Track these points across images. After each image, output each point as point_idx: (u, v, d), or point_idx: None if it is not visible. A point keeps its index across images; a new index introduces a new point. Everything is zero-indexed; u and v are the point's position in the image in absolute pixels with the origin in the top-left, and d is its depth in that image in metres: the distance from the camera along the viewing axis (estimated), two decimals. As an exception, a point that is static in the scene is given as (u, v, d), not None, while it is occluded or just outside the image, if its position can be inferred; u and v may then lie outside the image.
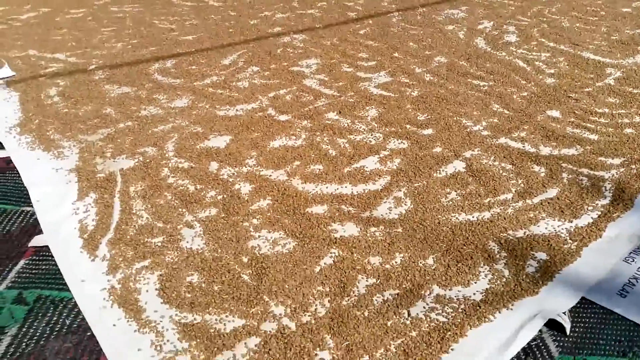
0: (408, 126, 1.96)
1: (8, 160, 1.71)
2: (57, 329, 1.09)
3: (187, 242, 1.34)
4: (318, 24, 2.93)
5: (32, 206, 1.48)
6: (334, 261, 1.27)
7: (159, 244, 1.32)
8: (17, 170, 1.65)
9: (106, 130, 1.89)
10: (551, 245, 1.33)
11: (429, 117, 2.03)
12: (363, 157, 1.76)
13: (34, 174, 1.62)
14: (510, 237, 1.36)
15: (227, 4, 3.21)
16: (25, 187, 1.57)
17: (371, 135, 1.90)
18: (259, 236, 1.36)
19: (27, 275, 1.25)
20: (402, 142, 1.86)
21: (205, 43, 2.68)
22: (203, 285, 1.20)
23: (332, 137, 1.89)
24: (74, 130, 1.87)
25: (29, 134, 1.86)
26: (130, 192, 1.54)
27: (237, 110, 2.09)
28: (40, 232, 1.37)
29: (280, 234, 1.36)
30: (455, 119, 2.03)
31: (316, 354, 1.03)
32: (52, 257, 1.30)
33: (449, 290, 1.19)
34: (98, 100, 2.10)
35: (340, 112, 2.06)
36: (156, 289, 1.19)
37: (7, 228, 1.40)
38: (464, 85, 2.29)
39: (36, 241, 1.34)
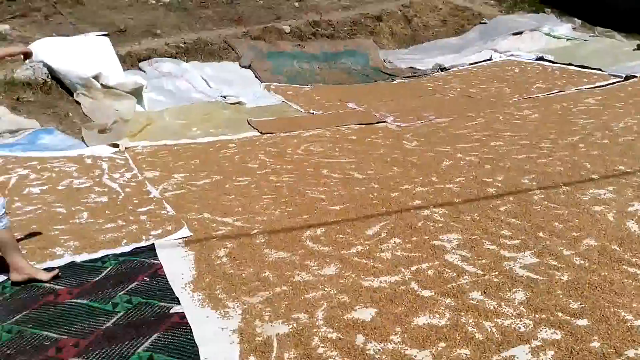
0: (560, 314, 1.89)
1: (182, 316, 1.94)
2: None
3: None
4: (457, 198, 3.06)
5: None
6: None
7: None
8: (189, 326, 1.87)
9: (265, 293, 2.08)
10: None
11: (583, 305, 1.94)
12: (512, 346, 1.71)
13: (203, 332, 1.82)
14: None
15: (370, 176, 3.52)
16: (196, 343, 1.75)
17: (520, 321, 1.86)
18: None
19: None
20: (554, 332, 1.78)
21: (350, 213, 2.92)
22: None
23: (478, 319, 1.88)
24: (238, 292, 2.10)
25: (201, 292, 2.12)
26: (284, 358, 1.65)
27: (381, 281, 2.19)
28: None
29: None
30: (612, 310, 1.91)
31: None
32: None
33: None
34: (259, 263, 2.36)
35: (485, 292, 2.06)
36: None
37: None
38: (619, 272, 2.19)
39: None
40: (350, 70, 7.66)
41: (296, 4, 8.80)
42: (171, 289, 2.15)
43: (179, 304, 2.03)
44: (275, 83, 6.83)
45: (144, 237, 2.68)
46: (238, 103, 5.92)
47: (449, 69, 7.27)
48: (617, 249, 2.38)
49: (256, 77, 6.95)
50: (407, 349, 1.70)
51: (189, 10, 8.18)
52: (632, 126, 4.31)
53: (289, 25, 8.09)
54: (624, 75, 6.14)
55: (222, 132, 4.92)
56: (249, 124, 5.16)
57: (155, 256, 2.46)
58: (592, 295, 2.01)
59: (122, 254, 2.51)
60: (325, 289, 2.13)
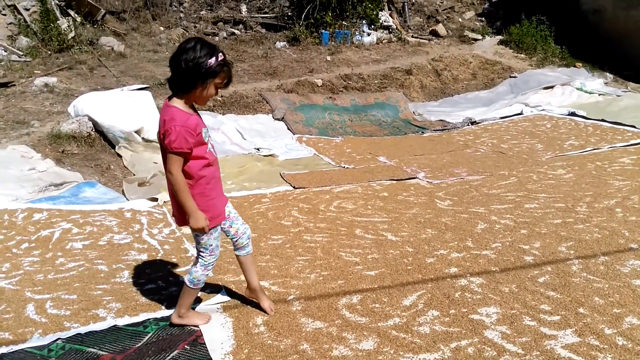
0: (606, 404, 1.84)
1: (223, 390, 1.96)
2: None
3: None
4: (494, 266, 3.04)
5: None
6: None
7: None
8: (230, 403, 1.89)
9: (303, 368, 2.09)
10: None
11: (630, 394, 1.89)
12: None
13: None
14: None
15: (404, 239, 3.53)
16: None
17: (565, 410, 1.82)
18: None
19: None
20: None
21: (386, 280, 2.93)
22: None
23: (521, 406, 1.84)
24: (277, 366, 2.11)
25: (240, 364, 2.14)
26: None
27: (420, 359, 2.17)
28: None
29: None
30: (662, 400, 1.86)
31: None
32: None
33: None
34: (296, 333, 2.37)
35: (527, 375, 2.03)
36: None
37: None
38: (667, 356, 2.13)
39: None
40: (380, 122, 7.79)
41: (328, 58, 9.07)
42: (212, 359, 2.18)
43: (221, 376, 2.06)
44: (307, 135, 6.99)
45: (183, 300, 2.73)
46: (271, 155, 6.05)
47: (479, 123, 7.32)
48: (663, 329, 2.32)
49: (288, 129, 7.13)
50: None
51: (225, 63, 8.52)
52: (671, 189, 4.24)
53: (321, 79, 8.32)
54: (659, 133, 6.08)
55: (257, 185, 5.02)
56: (282, 177, 5.26)
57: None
58: (639, 383, 1.96)
59: (162, 318, 2.56)
60: (364, 365, 2.13)
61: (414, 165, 5.50)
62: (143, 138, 5.51)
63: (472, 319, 2.47)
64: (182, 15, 10.55)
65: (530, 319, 2.45)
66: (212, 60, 2.07)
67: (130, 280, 3.03)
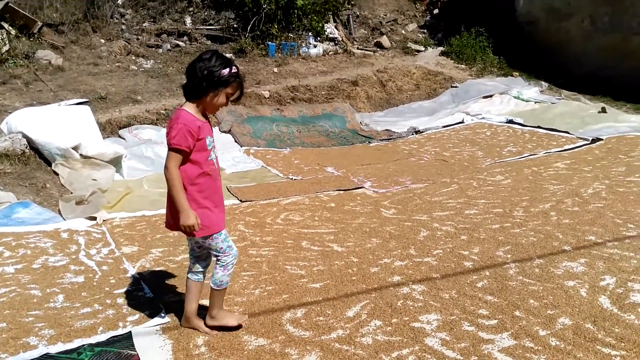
0: (539, 404, 1.90)
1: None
2: None
3: None
4: (435, 273, 3.10)
5: None
6: None
7: None
8: None
9: (244, 388, 2.05)
10: None
11: (561, 393, 1.96)
12: None
13: None
14: None
15: (349, 249, 3.55)
16: None
17: (500, 413, 1.86)
18: None
19: None
20: None
21: (330, 291, 2.93)
22: None
23: (459, 412, 1.87)
24: (216, 387, 2.06)
25: (179, 387, 2.08)
26: None
27: (362, 370, 2.18)
28: None
29: None
30: (590, 397, 1.94)
31: None
32: None
33: None
34: (238, 352, 2.33)
35: (465, 381, 2.06)
36: None
37: None
38: (594, 353, 2.23)
39: None
40: (328, 133, 7.85)
41: (275, 70, 9.08)
42: (148, 384, 2.10)
43: (156, 402, 1.99)
44: (255, 147, 6.95)
45: (120, 323, 2.63)
46: (217, 169, 5.96)
47: (423, 132, 7.50)
48: (591, 327, 2.43)
49: (236, 141, 7.06)
50: None
51: (169, 76, 8.36)
52: (600, 192, 4.47)
53: (269, 91, 8.31)
54: (590, 139, 6.42)
55: (202, 200, 4.93)
56: (228, 191, 5.19)
57: (132, 346, 2.42)
58: (569, 381, 2.03)
59: (98, 344, 2.45)
60: (306, 380, 2.11)
61: (360, 175, 5.56)
62: (81, 154, 5.31)
63: (414, 327, 2.51)
64: (123, 27, 10.29)
65: (469, 324, 2.51)
66: (226, 71, 2.22)
67: (65, 304, 2.89)
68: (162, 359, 2.31)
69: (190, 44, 9.91)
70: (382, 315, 2.64)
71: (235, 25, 10.45)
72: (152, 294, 2.97)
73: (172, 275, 3.25)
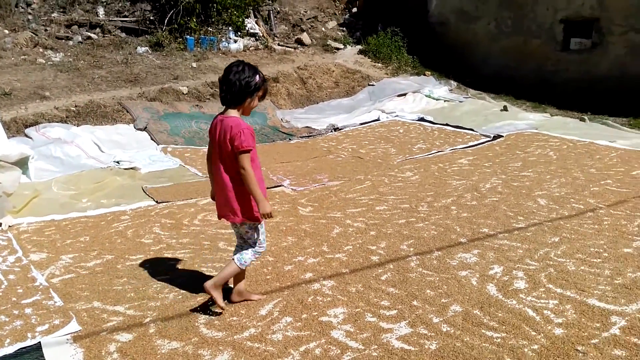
0: (427, 385, 2.13)
1: None
2: None
3: None
4: (345, 268, 3.30)
5: None
6: None
7: None
8: None
9: (156, 391, 2.12)
10: None
11: (446, 374, 2.20)
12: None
13: None
14: None
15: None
16: None
17: (393, 396, 2.07)
18: None
19: None
20: (421, 404, 2.01)
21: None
22: None
23: (357, 398, 2.06)
24: (128, 392, 2.11)
25: (89, 395, 2.11)
26: None
27: (271, 366, 2.31)
28: None
29: None
30: (471, 376, 2.19)
31: None
32: None
33: None
34: (150, 357, 2.39)
35: (364, 369, 2.26)
36: None
37: None
38: (478, 336, 2.50)
39: None
40: (248, 130, 7.88)
41: (194, 65, 8.96)
42: (57, 395, 2.11)
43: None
44: (173, 145, 6.85)
45: (29, 334, 2.59)
46: (132, 168, 5.85)
47: (341, 129, 7.75)
48: (478, 313, 2.72)
49: (152, 139, 6.92)
50: None
51: (80, 70, 8.02)
52: (496, 187, 4.90)
53: (187, 86, 8.20)
54: (492, 135, 6.94)
55: (115, 202, 4.84)
56: (144, 191, 5.12)
57: (42, 357, 2.40)
58: (455, 363, 2.29)
59: (5, 357, 2.40)
60: (217, 378, 2.21)
61: (280, 172, 5.68)
62: (-18, 157, 5.01)
63: (322, 321, 2.68)
64: (30, 17, 9.69)
65: (371, 315, 2.72)
66: (257, 78, 2.64)
67: (-33, 318, 2.78)
68: (73, 368, 2.31)
69: (104, 36, 9.53)
70: (293, 311, 2.79)
71: (151, 18, 10.18)
72: (62, 302, 2.93)
73: (83, 282, 3.21)
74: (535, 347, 2.40)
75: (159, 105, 7.69)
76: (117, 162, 5.90)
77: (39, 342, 2.51)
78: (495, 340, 2.48)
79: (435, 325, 2.61)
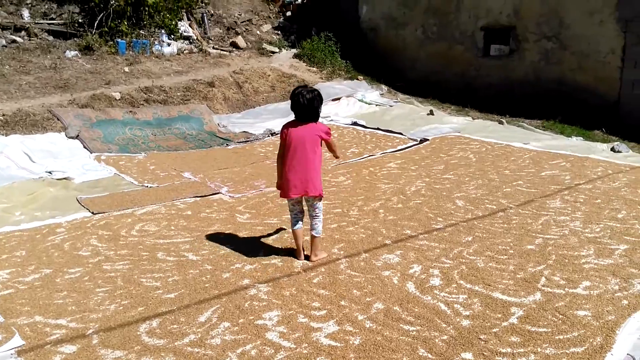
0: (350, 377, 2.41)
1: None
2: None
3: None
4: (279, 273, 3.54)
5: None
6: None
7: None
8: None
9: (101, 398, 2.27)
10: None
11: (368, 366, 2.50)
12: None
13: None
14: None
15: (204, 257, 3.83)
16: None
17: (320, 388, 2.33)
18: None
19: None
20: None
21: (185, 300, 3.21)
22: None
23: (289, 392, 2.31)
24: (74, 402, 2.25)
25: (36, 407, 2.23)
26: None
27: (210, 369, 2.51)
28: None
29: None
30: (389, 366, 2.50)
31: None
32: None
33: None
34: (95, 369, 2.52)
35: (296, 366, 2.51)
36: None
37: None
38: (397, 330, 2.83)
39: None
40: (185, 136, 7.94)
41: (126, 69, 8.87)
42: (3, 409, 2.22)
43: None
44: (107, 153, 6.81)
45: (-31, 353, 2.65)
46: (66, 178, 5.79)
47: (278, 134, 7.96)
48: (398, 309, 3.05)
49: (85, 147, 6.84)
50: None
51: (6, 76, 7.75)
52: (420, 189, 5.30)
53: (120, 92, 8.12)
54: (419, 139, 7.40)
55: (50, 214, 4.81)
56: (78, 202, 5.12)
57: (-17, 374, 2.47)
58: (375, 355, 2.59)
59: (-56, 377, 2.46)
60: (160, 383, 2.39)
61: (218, 180, 5.82)
62: None
63: (257, 324, 2.91)
64: (-54, 17, 9.20)
65: (303, 316, 2.98)
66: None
67: None
68: (17, 383, 2.41)
69: (30, 40, 9.22)
70: (230, 317, 2.99)
71: (80, 21, 9.93)
72: (3, 318, 2.98)
73: (23, 297, 3.26)
74: (445, 337, 2.75)
75: (91, 112, 7.59)
76: (50, 173, 5.83)
77: (-17, 360, 2.58)
78: (411, 333, 2.80)
79: (359, 322, 2.91)
